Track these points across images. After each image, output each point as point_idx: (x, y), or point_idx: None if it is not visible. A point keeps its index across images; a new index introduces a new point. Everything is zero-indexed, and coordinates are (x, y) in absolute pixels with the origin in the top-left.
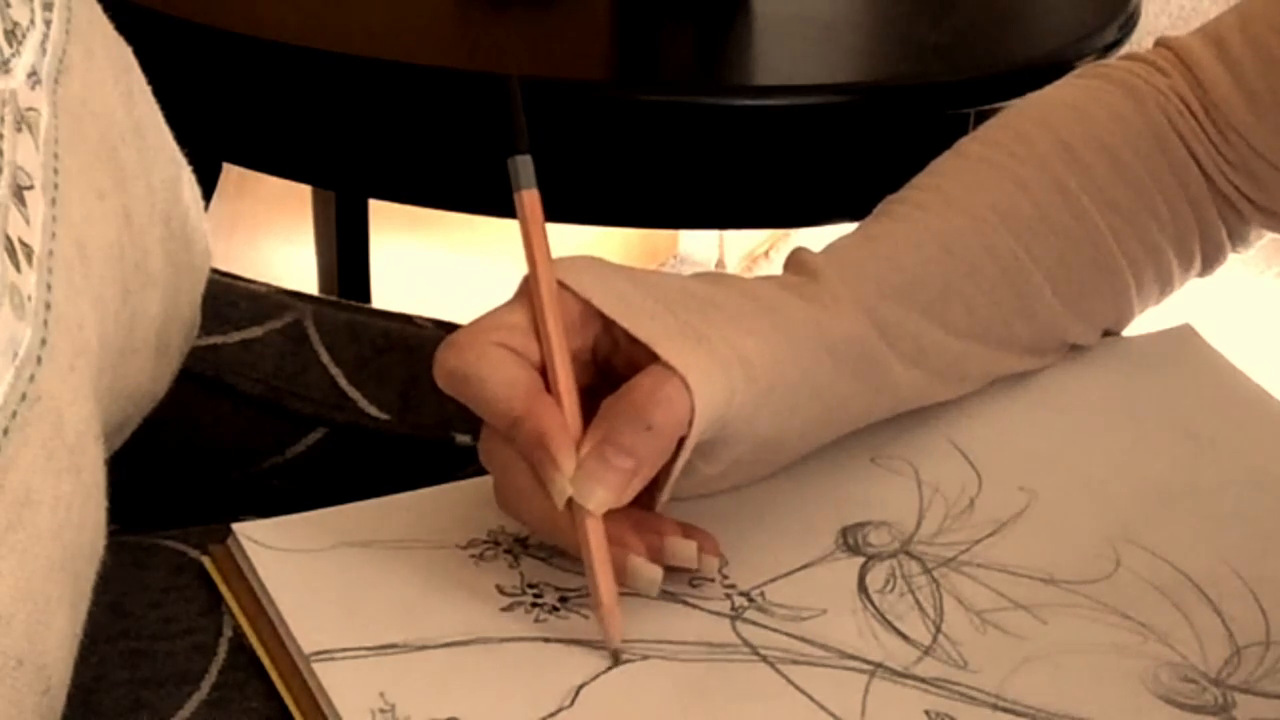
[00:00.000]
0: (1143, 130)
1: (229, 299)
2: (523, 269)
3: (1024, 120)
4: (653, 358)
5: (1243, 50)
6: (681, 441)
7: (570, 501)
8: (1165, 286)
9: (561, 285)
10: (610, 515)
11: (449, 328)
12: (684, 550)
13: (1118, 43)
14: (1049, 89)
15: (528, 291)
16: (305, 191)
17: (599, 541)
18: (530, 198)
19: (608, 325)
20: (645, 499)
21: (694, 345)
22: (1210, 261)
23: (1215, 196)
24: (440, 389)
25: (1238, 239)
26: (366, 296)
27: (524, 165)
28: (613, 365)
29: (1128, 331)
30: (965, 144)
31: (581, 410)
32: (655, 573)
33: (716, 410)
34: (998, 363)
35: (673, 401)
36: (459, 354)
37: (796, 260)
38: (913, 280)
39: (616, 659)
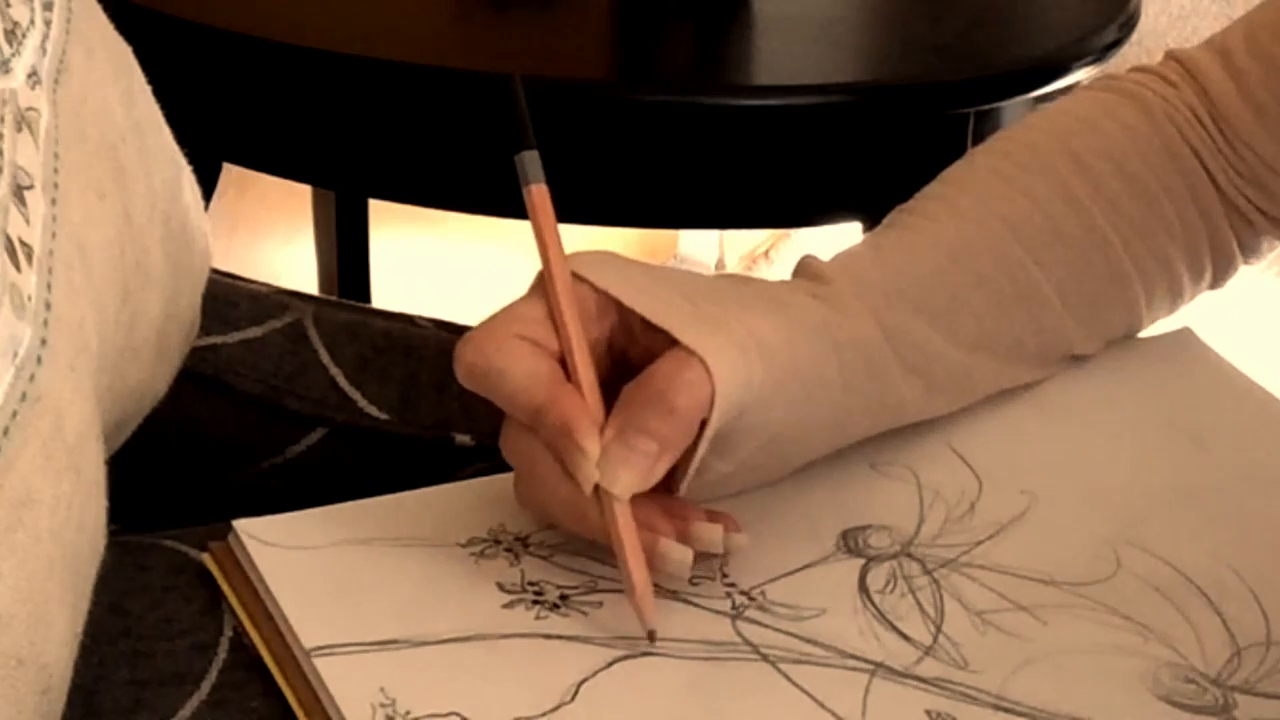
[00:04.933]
0: (1153, 142)
1: (229, 299)
2: (522, 263)
3: (1033, 132)
4: (670, 346)
5: (1248, 62)
6: (703, 426)
7: (596, 488)
8: (1176, 298)
9: (577, 277)
10: (637, 501)
11: (449, 327)
12: (710, 534)
13: (1118, 43)
14: (1058, 101)
15: (543, 285)
16: (305, 191)
17: (627, 525)
18: (539, 192)
19: (623, 317)
20: (669, 486)
21: (713, 330)
22: (1221, 273)
23: (1226, 208)
24: (462, 385)
25: (1249, 250)
26: (366, 296)
27: (531, 160)
28: (628, 357)
29: None
30: (975, 155)
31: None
32: (686, 554)
33: (737, 393)
34: (1003, 374)
35: (694, 384)
36: (478, 349)
37: (806, 267)
38: (921, 289)
39: (652, 640)
